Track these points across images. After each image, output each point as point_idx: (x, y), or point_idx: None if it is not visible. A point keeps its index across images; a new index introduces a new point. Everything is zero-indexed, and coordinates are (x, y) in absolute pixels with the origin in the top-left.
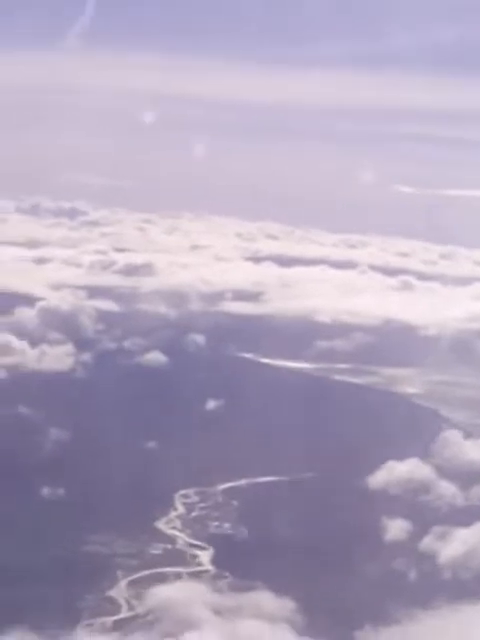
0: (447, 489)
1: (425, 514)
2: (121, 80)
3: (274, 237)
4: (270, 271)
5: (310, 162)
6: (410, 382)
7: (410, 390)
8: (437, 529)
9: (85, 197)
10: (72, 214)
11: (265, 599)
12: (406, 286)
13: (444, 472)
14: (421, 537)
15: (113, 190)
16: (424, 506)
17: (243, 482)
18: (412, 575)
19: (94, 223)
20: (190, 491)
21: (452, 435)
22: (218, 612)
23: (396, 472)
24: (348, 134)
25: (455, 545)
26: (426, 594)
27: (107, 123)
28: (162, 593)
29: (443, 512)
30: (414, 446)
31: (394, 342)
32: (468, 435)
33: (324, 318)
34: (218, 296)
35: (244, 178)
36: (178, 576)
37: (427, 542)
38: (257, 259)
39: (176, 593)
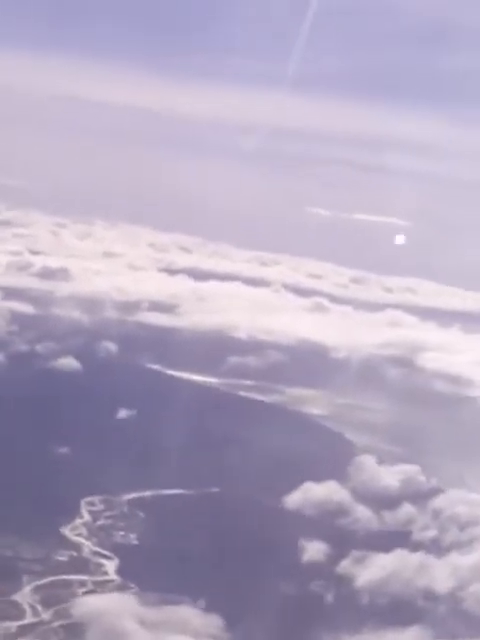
0: (363, 513)
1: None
2: (35, 81)
3: (187, 250)
4: (185, 284)
5: (227, 178)
6: (316, 403)
7: (315, 411)
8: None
9: None
10: None
11: (183, 613)
12: (319, 308)
13: (359, 496)
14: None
15: (23, 192)
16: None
17: (148, 493)
18: (330, 598)
19: (6, 223)
20: (95, 499)
21: (366, 459)
22: (142, 623)
23: (308, 493)
24: (267, 154)
25: (373, 570)
26: (347, 618)
27: (17, 124)
28: (71, 601)
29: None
30: (323, 468)
31: (304, 363)
32: (381, 461)
33: (238, 334)
34: (133, 306)
35: (159, 189)
36: (83, 584)
37: (345, 565)
38: (171, 271)
39: (86, 602)
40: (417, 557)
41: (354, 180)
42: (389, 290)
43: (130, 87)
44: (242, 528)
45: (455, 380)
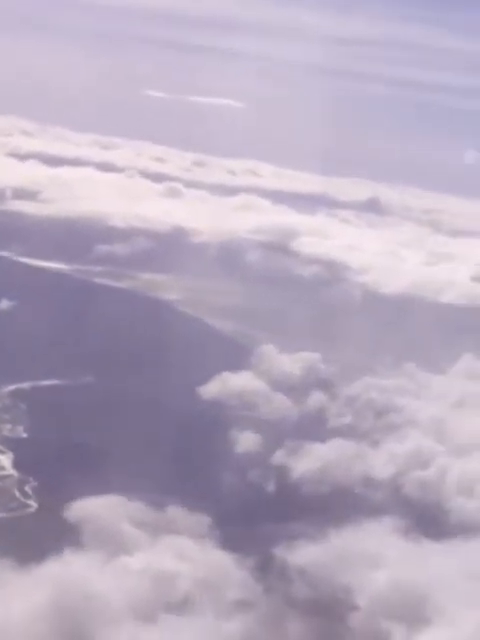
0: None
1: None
2: None
3: (29, 134)
4: (38, 170)
5: (55, 59)
6: (170, 288)
7: (170, 296)
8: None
9: None
10: None
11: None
12: (174, 193)
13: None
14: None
15: None
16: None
17: (26, 385)
18: (273, 489)
19: None
20: None
21: (268, 349)
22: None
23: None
24: (96, 33)
25: (308, 460)
26: (303, 508)
27: None
28: None
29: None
30: (187, 355)
31: (168, 249)
32: (282, 349)
33: (104, 222)
34: None
35: None
36: None
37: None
38: (20, 156)
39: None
40: (351, 446)
41: (188, 62)
42: (232, 173)
43: None
44: (124, 418)
45: (330, 264)
